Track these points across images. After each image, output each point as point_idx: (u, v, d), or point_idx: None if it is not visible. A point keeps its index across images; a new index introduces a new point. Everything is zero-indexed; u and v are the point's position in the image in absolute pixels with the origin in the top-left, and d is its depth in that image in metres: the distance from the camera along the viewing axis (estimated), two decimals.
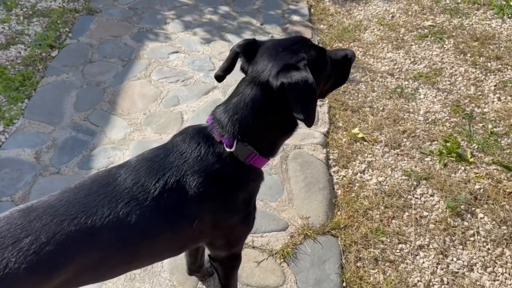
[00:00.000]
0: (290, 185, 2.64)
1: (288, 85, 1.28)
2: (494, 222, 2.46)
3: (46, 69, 3.43)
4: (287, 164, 2.76)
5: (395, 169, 2.77)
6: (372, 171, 2.76)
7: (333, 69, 1.50)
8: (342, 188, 2.66)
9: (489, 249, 2.34)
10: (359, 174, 2.74)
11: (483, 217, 2.49)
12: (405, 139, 2.98)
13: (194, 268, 2.05)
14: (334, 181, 2.71)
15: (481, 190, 2.61)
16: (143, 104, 3.15)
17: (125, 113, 3.08)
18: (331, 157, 2.86)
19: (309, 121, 1.29)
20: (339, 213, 2.51)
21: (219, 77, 1.53)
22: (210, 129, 1.42)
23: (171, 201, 1.35)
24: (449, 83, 3.47)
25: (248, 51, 1.44)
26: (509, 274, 2.23)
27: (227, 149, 1.38)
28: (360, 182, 2.68)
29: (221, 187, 1.41)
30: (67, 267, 1.22)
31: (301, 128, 3.05)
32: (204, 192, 1.38)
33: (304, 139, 2.93)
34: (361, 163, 2.81)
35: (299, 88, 1.28)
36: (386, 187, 2.66)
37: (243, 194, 1.47)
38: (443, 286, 2.19)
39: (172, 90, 3.29)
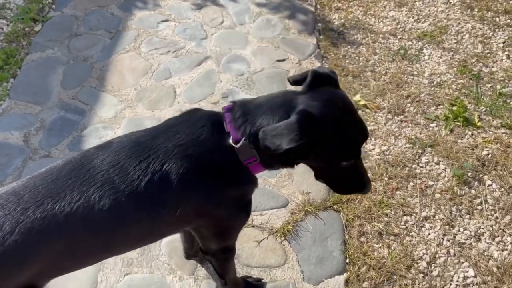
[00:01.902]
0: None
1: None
2: (502, 189, 2.36)
3: (30, 45, 3.27)
4: None
5: (399, 137, 2.65)
6: (375, 140, 2.65)
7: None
8: None
9: (497, 217, 2.26)
10: None
11: (491, 184, 2.39)
12: (409, 105, 2.84)
13: (191, 253, 1.99)
14: None
15: (489, 155, 2.50)
16: (133, 79, 3.01)
17: (115, 89, 2.95)
18: None
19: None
20: None
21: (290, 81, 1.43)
22: (223, 116, 1.33)
23: (153, 186, 1.25)
24: (455, 41, 3.28)
25: (320, 80, 1.33)
26: None
27: (231, 143, 1.29)
28: (363, 153, 2.57)
29: (211, 178, 1.31)
30: (37, 257, 1.17)
31: None
32: (191, 179, 1.28)
33: None
34: None
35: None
36: (390, 156, 2.55)
37: (232, 191, 1.38)
38: (449, 258, 2.13)
39: (163, 62, 3.13)
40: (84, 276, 2.00)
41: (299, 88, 1.36)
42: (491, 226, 2.23)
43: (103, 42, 3.29)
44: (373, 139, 2.65)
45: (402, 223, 2.26)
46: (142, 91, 2.92)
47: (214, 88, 2.94)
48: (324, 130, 1.23)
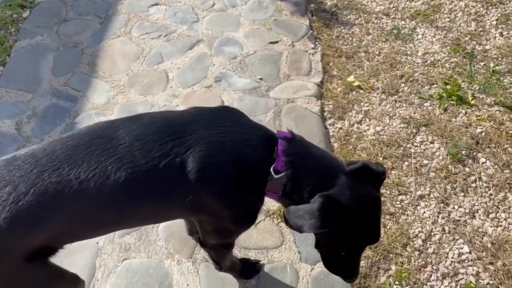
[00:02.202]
0: None
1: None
2: (496, 166, 2.38)
3: (19, 32, 3.21)
4: (280, 120, 2.64)
5: (393, 117, 2.65)
6: (369, 120, 2.65)
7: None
8: (339, 141, 2.55)
9: (491, 194, 2.28)
10: (356, 125, 2.63)
11: (485, 162, 2.40)
12: (403, 84, 2.83)
13: (194, 230, 1.98)
14: (330, 134, 2.60)
15: (483, 133, 2.51)
16: (125, 64, 2.97)
17: (107, 75, 2.91)
18: (326, 109, 2.73)
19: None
20: None
21: None
22: (276, 140, 1.34)
23: (172, 168, 1.23)
24: (448, 20, 3.26)
25: (368, 172, 1.36)
26: None
27: (272, 170, 1.31)
28: (357, 133, 2.58)
29: (234, 182, 1.31)
30: (50, 220, 1.18)
31: (293, 80, 2.92)
32: (214, 174, 1.27)
33: (297, 92, 2.79)
34: (358, 113, 2.68)
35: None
36: (384, 136, 2.55)
37: (245, 202, 1.39)
38: (444, 235, 2.15)
39: (155, 47, 3.09)
40: (82, 262, 2.01)
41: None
42: (485, 203, 2.25)
43: (93, 28, 3.24)
44: (367, 119, 2.65)
45: (398, 202, 2.27)
46: (134, 76, 2.89)
47: (207, 72, 2.91)
48: (343, 223, 1.25)
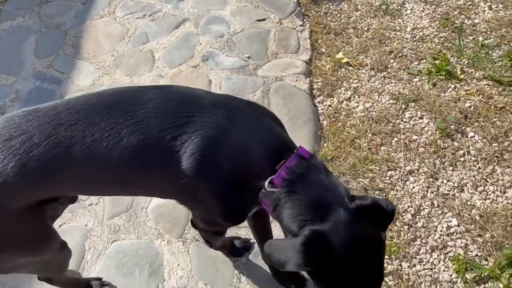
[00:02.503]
0: None
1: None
2: (485, 140, 2.39)
3: (0, 14, 3.12)
4: (269, 99, 2.61)
5: (382, 93, 2.63)
6: (359, 97, 2.63)
7: None
8: (328, 119, 2.54)
9: (479, 168, 2.29)
10: (345, 102, 2.61)
11: (474, 136, 2.41)
12: (392, 60, 2.81)
13: None
14: (319, 112, 2.59)
15: (472, 107, 2.51)
16: (110, 45, 2.91)
17: (91, 56, 2.85)
18: (315, 86, 2.70)
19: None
20: (325, 145, 2.41)
21: None
22: (289, 154, 1.23)
23: (176, 144, 1.20)
24: None
25: (376, 210, 1.17)
26: (500, 192, 2.20)
27: (267, 181, 1.21)
28: (346, 111, 2.56)
29: (228, 181, 1.26)
30: (60, 172, 1.19)
31: (281, 57, 2.88)
32: (211, 168, 1.23)
33: (286, 70, 2.76)
34: (347, 90, 2.66)
35: None
36: (374, 113, 2.54)
37: (235, 201, 1.31)
38: (433, 209, 2.16)
39: (140, 27, 3.03)
40: (71, 244, 1.97)
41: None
42: (474, 176, 2.26)
43: (76, 8, 3.16)
44: (356, 96, 2.63)
45: (387, 178, 2.28)
46: (120, 57, 2.84)
47: (194, 51, 2.86)
48: (331, 264, 1.10)
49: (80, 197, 2.16)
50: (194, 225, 1.66)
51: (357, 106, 2.59)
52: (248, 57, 2.82)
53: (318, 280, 1.16)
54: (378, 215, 1.17)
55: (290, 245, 1.10)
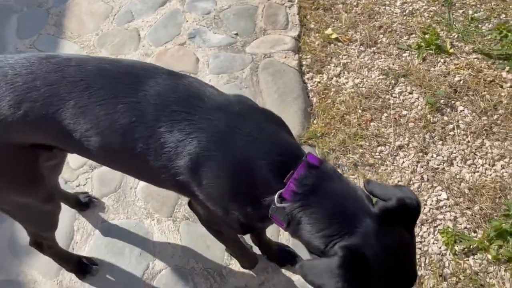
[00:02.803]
0: (262, 98, 2.48)
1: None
2: (474, 113, 2.38)
3: None
4: (257, 76, 2.58)
5: (372, 69, 2.61)
6: (348, 73, 2.60)
7: None
8: (317, 95, 2.51)
9: (468, 141, 2.29)
10: (334, 78, 2.59)
11: (463, 110, 2.40)
12: (381, 35, 2.78)
13: None
14: (309, 88, 2.56)
15: (461, 82, 2.50)
16: (94, 24, 2.84)
17: (75, 35, 2.78)
18: (304, 63, 2.67)
19: None
20: (315, 121, 2.40)
21: None
22: (297, 163, 1.15)
23: (168, 142, 1.17)
24: None
25: (403, 210, 1.11)
26: (489, 165, 2.20)
27: (276, 196, 1.13)
28: (336, 87, 2.54)
29: (235, 188, 1.20)
30: (47, 121, 1.21)
31: (270, 34, 2.84)
32: (209, 177, 1.18)
33: (274, 46, 2.71)
34: (336, 66, 2.64)
35: None
36: (363, 89, 2.52)
37: (240, 212, 1.24)
38: (423, 184, 2.17)
39: (124, 4, 2.95)
40: (60, 225, 1.96)
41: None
42: (463, 150, 2.26)
43: None
44: (346, 72, 2.60)
45: (377, 153, 2.27)
46: (104, 36, 2.77)
47: (180, 29, 2.80)
48: (370, 280, 1.04)
49: (68, 178, 2.14)
50: (190, 205, 1.58)
51: (347, 82, 2.56)
52: (236, 34, 2.77)
53: None
54: (405, 214, 1.11)
55: (326, 268, 1.04)
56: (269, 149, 1.18)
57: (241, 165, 1.17)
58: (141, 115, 1.19)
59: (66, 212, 2.02)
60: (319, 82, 2.57)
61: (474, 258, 1.95)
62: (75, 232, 1.98)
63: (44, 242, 1.70)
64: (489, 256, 1.93)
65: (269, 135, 1.20)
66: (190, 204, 1.56)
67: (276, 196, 1.14)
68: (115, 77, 1.23)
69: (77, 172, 2.16)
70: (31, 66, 1.22)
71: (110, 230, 1.99)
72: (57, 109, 1.20)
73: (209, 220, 1.48)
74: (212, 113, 1.19)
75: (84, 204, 2.00)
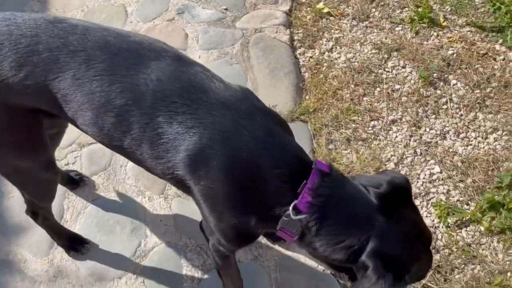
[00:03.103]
0: (253, 74, 2.44)
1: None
2: (467, 87, 2.36)
3: None
4: (248, 51, 2.53)
5: (365, 43, 2.57)
6: (340, 48, 2.56)
7: None
8: (309, 71, 2.48)
9: (462, 115, 2.28)
10: (326, 53, 2.54)
11: (456, 83, 2.38)
12: (373, 9, 2.73)
13: None
14: (301, 64, 2.52)
15: (454, 55, 2.47)
16: (79, 0, 2.76)
17: (60, 12, 2.70)
18: (295, 38, 2.62)
19: None
20: (307, 97, 2.36)
21: None
22: (309, 171, 1.11)
23: (165, 134, 1.13)
24: None
25: (395, 190, 1.16)
26: (482, 138, 2.20)
27: (291, 208, 1.09)
28: (328, 62, 2.50)
29: (238, 195, 1.14)
30: (44, 88, 1.19)
31: (260, 9, 2.78)
32: (209, 177, 1.13)
33: (265, 21, 2.66)
34: (328, 41, 2.59)
35: None
36: (356, 63, 2.49)
37: (240, 222, 1.18)
38: (416, 158, 2.16)
39: None
40: None
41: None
42: (456, 123, 2.25)
43: None
44: (338, 47, 2.56)
45: (370, 128, 2.25)
46: (90, 12, 2.69)
47: (168, 4, 2.73)
48: (400, 270, 1.10)
49: (56, 157, 2.09)
50: (201, 228, 1.47)
51: (339, 57, 2.53)
52: (226, 9, 2.71)
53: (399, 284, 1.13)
54: (399, 193, 1.16)
55: (369, 285, 1.07)
56: (281, 157, 1.12)
57: (249, 171, 1.11)
58: (138, 100, 1.14)
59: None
60: (311, 57, 2.53)
61: (466, 230, 1.95)
62: (65, 210, 1.95)
63: (40, 212, 1.69)
64: (482, 228, 1.93)
65: (280, 141, 1.15)
66: None
67: (291, 208, 1.10)
68: (117, 53, 1.18)
69: (66, 151, 2.11)
70: (37, 28, 1.18)
71: (101, 208, 1.96)
72: (56, 77, 1.18)
73: (212, 231, 1.34)
74: (217, 108, 1.12)
75: (75, 182, 1.97)
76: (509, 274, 1.82)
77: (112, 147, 1.30)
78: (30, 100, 1.24)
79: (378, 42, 2.56)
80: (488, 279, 1.81)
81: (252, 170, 1.10)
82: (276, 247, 1.88)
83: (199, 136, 1.10)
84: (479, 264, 1.85)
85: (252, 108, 1.18)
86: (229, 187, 1.13)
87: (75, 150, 2.12)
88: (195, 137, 1.10)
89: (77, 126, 1.29)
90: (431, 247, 1.23)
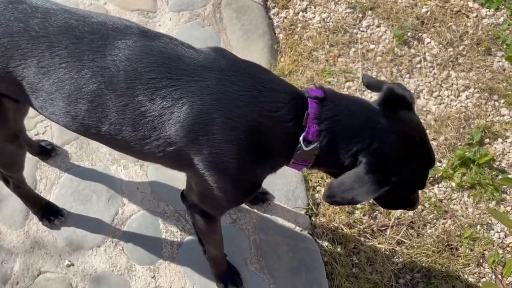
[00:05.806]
0: (226, 36, 2.38)
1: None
2: (440, 45, 2.37)
3: None
4: (221, 13, 2.45)
5: (339, 2, 2.53)
6: (315, 8, 2.51)
7: None
8: (284, 32, 2.43)
9: (435, 73, 2.30)
10: (301, 13, 2.49)
11: (430, 42, 2.38)
12: None
13: None
14: (275, 24, 2.47)
15: (428, 13, 2.46)
16: None
17: None
18: None
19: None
20: (282, 59, 2.33)
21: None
22: (306, 103, 1.13)
23: (153, 111, 1.10)
24: None
25: (394, 98, 1.20)
26: (454, 96, 2.23)
27: (301, 141, 1.11)
28: (303, 22, 2.45)
29: (248, 150, 1.13)
30: (8, 73, 1.16)
31: None
32: (210, 139, 1.10)
33: None
34: (302, 1, 2.53)
35: None
36: (331, 23, 2.45)
37: (251, 176, 1.19)
38: None
39: None
40: None
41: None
42: (429, 82, 2.27)
43: None
44: (312, 7, 2.51)
45: (345, 89, 2.25)
46: None
47: None
48: (398, 172, 1.13)
49: (26, 127, 2.02)
50: (183, 197, 1.44)
51: (314, 17, 2.48)
52: None
53: (391, 193, 1.17)
54: (398, 98, 1.19)
55: (355, 179, 1.10)
56: (276, 99, 1.13)
57: (251, 123, 1.11)
58: (110, 83, 1.10)
59: (27, 161, 1.93)
60: (285, 18, 2.48)
61: (438, 187, 2.01)
62: (37, 181, 1.91)
63: (11, 181, 1.66)
64: (453, 184, 1.99)
65: (270, 84, 1.16)
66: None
67: (301, 141, 1.12)
68: (80, 37, 1.12)
69: (35, 120, 2.05)
70: (4, 11, 1.13)
71: (75, 178, 1.92)
72: (19, 64, 1.13)
73: (201, 196, 1.33)
74: (199, 73, 1.11)
75: (46, 152, 1.92)
76: (478, 227, 1.90)
77: (89, 135, 1.27)
78: None
79: (353, 0, 2.52)
80: (458, 232, 1.88)
81: (254, 122, 1.11)
82: (255, 210, 1.90)
83: (189, 105, 1.08)
84: (450, 219, 1.92)
85: (231, 62, 1.18)
86: (236, 146, 1.12)
87: (45, 119, 2.05)
88: (185, 107, 1.08)
89: (47, 116, 1.24)
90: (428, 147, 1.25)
